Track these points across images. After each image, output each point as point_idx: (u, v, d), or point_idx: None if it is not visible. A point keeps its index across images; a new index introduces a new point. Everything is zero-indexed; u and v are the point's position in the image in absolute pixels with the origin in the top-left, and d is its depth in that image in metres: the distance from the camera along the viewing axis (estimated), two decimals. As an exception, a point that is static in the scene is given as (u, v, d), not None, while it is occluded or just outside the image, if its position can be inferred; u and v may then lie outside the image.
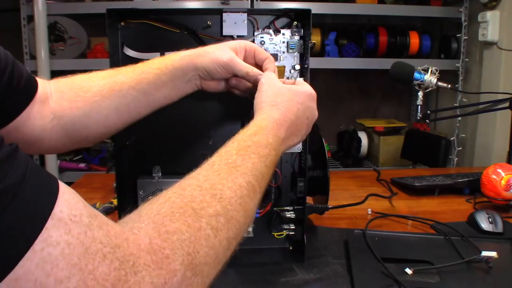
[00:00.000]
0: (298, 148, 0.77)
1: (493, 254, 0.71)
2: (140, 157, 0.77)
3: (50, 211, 0.30)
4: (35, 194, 0.30)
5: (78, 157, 2.17)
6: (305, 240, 0.76)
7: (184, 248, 0.36)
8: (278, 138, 0.56)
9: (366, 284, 0.67)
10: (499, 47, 1.87)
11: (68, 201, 0.32)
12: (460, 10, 2.07)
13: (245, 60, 0.66)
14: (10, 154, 0.30)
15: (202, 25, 0.76)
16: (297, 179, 0.78)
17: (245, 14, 0.76)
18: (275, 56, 0.76)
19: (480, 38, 1.93)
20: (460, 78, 2.12)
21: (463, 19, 2.07)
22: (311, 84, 0.67)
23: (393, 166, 2.14)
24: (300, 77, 0.76)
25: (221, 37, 0.76)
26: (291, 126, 0.59)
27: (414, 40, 2.14)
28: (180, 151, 0.78)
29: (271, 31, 0.76)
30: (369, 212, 0.99)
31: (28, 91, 0.59)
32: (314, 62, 1.96)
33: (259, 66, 0.67)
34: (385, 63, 1.83)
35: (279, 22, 0.77)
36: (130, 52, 0.75)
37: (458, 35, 2.12)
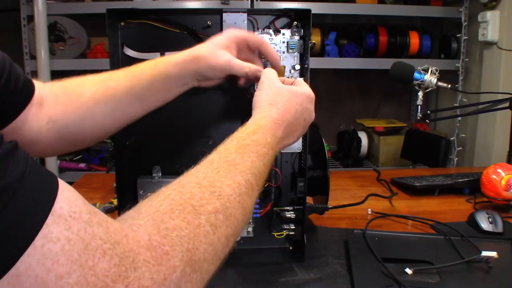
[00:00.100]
0: (298, 148, 0.77)
1: (493, 254, 0.71)
2: (140, 157, 0.78)
3: (50, 208, 0.30)
4: (35, 191, 0.30)
5: (78, 157, 2.17)
6: (305, 240, 0.76)
7: (184, 244, 0.36)
8: (276, 138, 0.56)
9: (366, 284, 0.67)
10: (499, 47, 1.87)
11: (68, 198, 0.32)
12: (460, 10, 2.07)
13: (239, 53, 0.67)
14: (10, 151, 0.30)
15: (202, 25, 0.76)
16: (297, 179, 0.78)
17: (245, 14, 0.76)
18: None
19: (480, 38, 1.93)
20: (460, 78, 2.12)
21: (463, 19, 2.07)
22: (311, 84, 0.67)
23: (393, 166, 2.14)
24: (300, 77, 0.76)
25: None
26: (288, 126, 0.59)
27: (414, 40, 2.14)
28: (180, 151, 0.78)
29: (271, 31, 0.77)
30: (369, 212, 0.99)
31: (26, 94, 0.59)
32: (314, 62, 1.95)
33: (255, 53, 0.69)
34: (385, 63, 1.82)
35: (279, 22, 0.77)
36: (130, 52, 0.75)
37: (458, 35, 2.12)
